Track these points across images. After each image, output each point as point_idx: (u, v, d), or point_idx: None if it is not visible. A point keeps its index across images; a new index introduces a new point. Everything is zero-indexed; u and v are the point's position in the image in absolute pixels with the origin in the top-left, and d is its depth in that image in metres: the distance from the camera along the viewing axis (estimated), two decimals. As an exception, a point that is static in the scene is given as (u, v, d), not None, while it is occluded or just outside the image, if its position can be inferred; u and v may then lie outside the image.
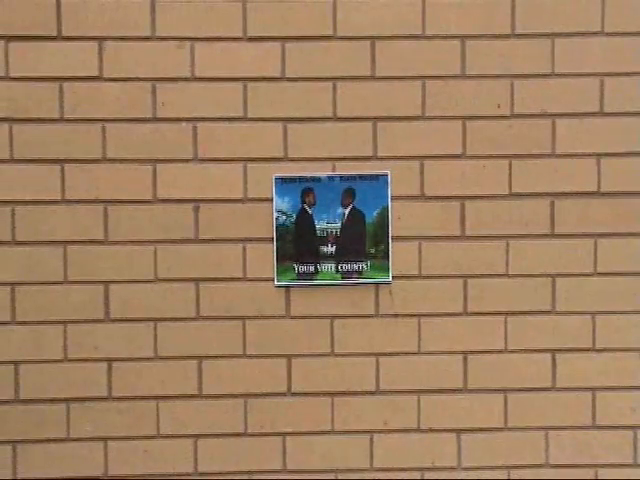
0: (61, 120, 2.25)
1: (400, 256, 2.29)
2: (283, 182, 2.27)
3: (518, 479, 2.34)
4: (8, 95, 2.24)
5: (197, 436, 2.31)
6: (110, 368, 2.29)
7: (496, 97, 2.29)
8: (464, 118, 2.29)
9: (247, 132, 2.27)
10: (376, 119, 2.28)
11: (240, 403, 2.31)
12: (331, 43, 2.27)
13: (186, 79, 2.26)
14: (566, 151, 2.31)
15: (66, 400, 2.28)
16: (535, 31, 2.29)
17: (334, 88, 2.27)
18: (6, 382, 2.27)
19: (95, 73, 2.25)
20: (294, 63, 2.27)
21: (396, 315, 2.31)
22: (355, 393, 2.32)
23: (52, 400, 2.28)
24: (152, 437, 2.30)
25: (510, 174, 2.30)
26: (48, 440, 2.29)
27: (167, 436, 2.31)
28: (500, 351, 2.32)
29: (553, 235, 2.32)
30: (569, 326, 2.32)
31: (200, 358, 2.30)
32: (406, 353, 2.31)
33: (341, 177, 2.28)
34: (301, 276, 2.29)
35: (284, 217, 2.28)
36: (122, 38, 2.24)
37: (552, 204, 2.31)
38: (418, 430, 2.33)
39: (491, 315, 2.32)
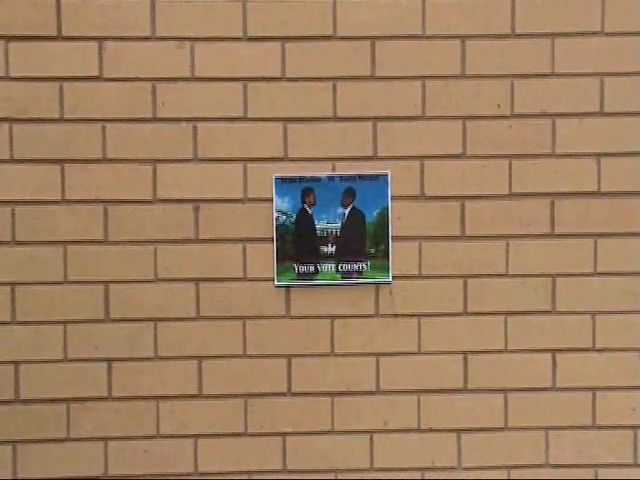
0: (61, 120, 2.25)
1: (400, 256, 2.29)
2: (283, 182, 2.27)
3: (518, 479, 2.34)
4: (8, 95, 2.24)
5: (197, 436, 2.31)
6: (110, 368, 2.29)
7: (496, 97, 2.29)
8: (464, 118, 2.29)
9: (247, 132, 2.27)
10: (376, 119, 2.28)
11: (240, 403, 2.31)
12: (331, 43, 2.27)
13: (186, 79, 2.26)
14: (566, 151, 2.31)
15: (66, 400, 2.28)
16: (535, 31, 2.29)
17: (334, 88, 2.27)
18: (6, 382, 2.27)
19: (95, 73, 2.25)
20: (294, 63, 2.27)
21: (396, 315, 2.31)
22: (355, 393, 2.32)
23: (52, 400, 2.28)
24: (152, 437, 2.30)
25: (510, 174, 2.30)
26: (48, 440, 2.29)
27: (167, 436, 2.31)
28: (500, 351, 2.32)
29: (553, 235, 2.32)
30: (569, 326, 2.32)
31: (200, 358, 2.30)
32: (406, 353, 2.31)
33: (341, 177, 2.28)
34: (301, 276, 2.29)
35: (284, 217, 2.28)
36: (122, 38, 2.24)
37: (552, 204, 2.31)
38: (418, 430, 2.33)
39: (491, 315, 2.32)
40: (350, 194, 2.28)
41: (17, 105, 2.24)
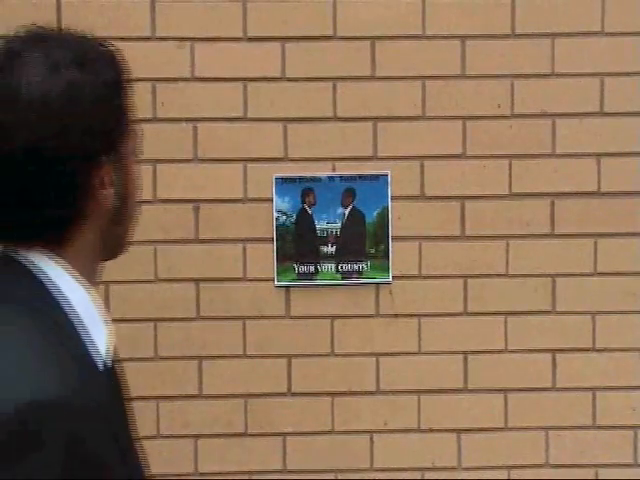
0: (61, 120, 2.25)
1: (400, 256, 2.29)
2: (283, 182, 2.27)
3: (518, 479, 2.34)
4: (8, 95, 2.24)
5: (197, 436, 2.31)
6: (110, 368, 2.29)
7: (496, 97, 2.29)
8: (464, 118, 2.29)
9: (247, 132, 2.27)
10: (376, 119, 2.28)
11: (240, 403, 2.31)
12: (331, 43, 2.27)
13: (186, 79, 2.26)
14: (566, 151, 2.31)
15: (66, 400, 2.28)
16: (535, 31, 2.29)
17: (334, 88, 2.27)
18: (6, 382, 2.27)
19: (95, 73, 2.25)
20: (294, 63, 2.26)
21: (396, 315, 2.31)
22: (355, 393, 2.32)
23: (52, 400, 2.28)
24: (152, 437, 2.30)
25: (510, 174, 2.30)
26: (48, 440, 2.29)
27: (167, 436, 2.31)
28: (500, 351, 2.32)
29: (553, 235, 2.32)
30: (569, 326, 2.32)
31: (200, 358, 2.30)
32: (406, 353, 2.31)
33: (341, 177, 2.28)
34: (301, 276, 2.29)
35: (284, 217, 2.28)
36: (122, 38, 2.24)
37: (552, 204, 2.31)
38: (418, 430, 2.33)
39: (491, 315, 2.32)
40: (350, 194, 2.28)
41: (17, 105, 2.24)
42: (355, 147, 2.28)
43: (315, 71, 2.26)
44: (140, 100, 2.27)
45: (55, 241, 0.96)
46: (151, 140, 2.26)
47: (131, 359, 2.29)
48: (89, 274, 1.03)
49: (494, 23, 2.28)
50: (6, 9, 2.23)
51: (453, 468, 2.34)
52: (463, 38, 2.28)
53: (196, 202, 2.27)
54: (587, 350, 2.33)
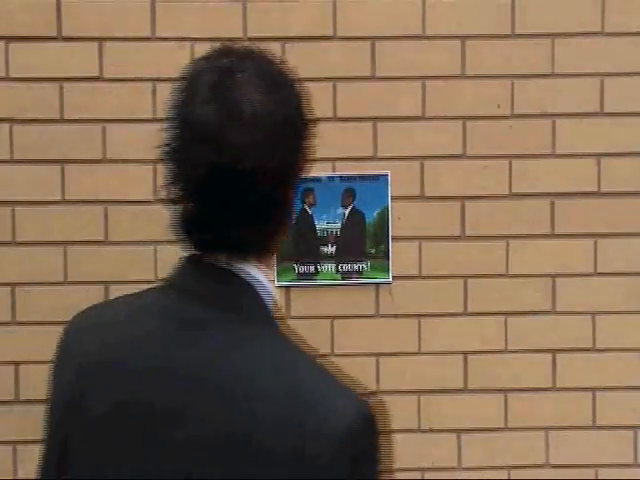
0: (61, 120, 2.25)
1: (400, 256, 2.29)
2: (283, 182, 2.27)
3: (518, 479, 2.34)
4: (8, 95, 2.24)
5: (197, 436, 2.30)
6: (110, 368, 2.28)
7: (496, 97, 2.29)
8: (464, 118, 2.29)
9: (247, 132, 2.27)
10: (376, 119, 2.28)
11: (240, 403, 2.30)
12: (331, 43, 2.27)
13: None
14: (566, 151, 2.31)
15: (66, 400, 2.28)
16: (535, 31, 2.29)
17: (334, 88, 2.27)
18: (6, 382, 2.27)
19: (95, 73, 2.25)
20: (294, 63, 2.25)
21: (396, 315, 2.30)
22: (355, 393, 2.31)
23: (52, 400, 2.28)
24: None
25: (510, 174, 2.30)
26: (48, 440, 2.29)
27: (167, 436, 2.30)
28: (500, 351, 2.32)
29: (553, 235, 2.32)
30: (569, 326, 2.32)
31: (200, 358, 2.29)
32: (406, 353, 2.31)
33: (341, 177, 2.28)
34: (301, 276, 2.29)
35: (284, 217, 2.28)
36: (122, 38, 2.24)
37: (552, 204, 2.31)
38: (418, 430, 2.33)
39: (491, 315, 2.31)
40: (350, 194, 2.28)
41: (17, 105, 2.24)
42: (355, 147, 2.28)
43: (315, 71, 2.26)
44: (140, 100, 2.28)
45: (262, 252, 1.00)
46: (151, 140, 2.26)
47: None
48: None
49: (494, 23, 2.28)
50: (6, 9, 2.23)
51: (453, 468, 2.34)
52: (463, 38, 2.28)
53: (196, 202, 2.27)
54: (587, 350, 2.33)
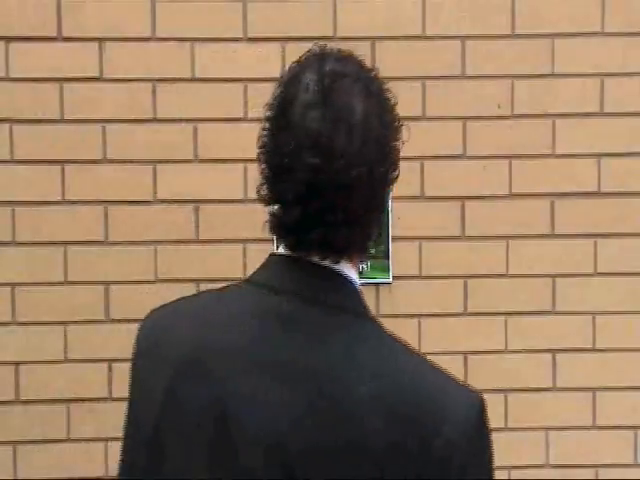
0: (61, 120, 2.25)
1: (400, 256, 2.29)
2: (283, 182, 2.27)
3: (518, 479, 2.34)
4: (8, 95, 2.24)
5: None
6: (110, 368, 2.29)
7: (496, 97, 2.29)
8: (464, 118, 2.29)
9: (247, 132, 2.27)
10: (376, 119, 2.28)
11: (240, 403, 2.30)
12: (331, 43, 2.26)
13: (186, 79, 2.26)
14: (566, 151, 2.31)
15: (66, 400, 2.28)
16: (535, 31, 2.29)
17: (334, 88, 2.27)
18: (6, 382, 2.27)
19: (95, 73, 2.25)
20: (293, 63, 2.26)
21: (396, 315, 2.30)
22: (355, 393, 2.31)
23: (52, 400, 2.28)
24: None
25: (510, 174, 2.30)
26: (48, 440, 2.29)
27: (167, 436, 2.30)
28: (500, 351, 2.32)
29: (553, 235, 2.32)
30: (569, 326, 2.32)
31: (200, 358, 2.29)
32: (406, 353, 2.31)
33: (341, 177, 2.27)
34: (301, 276, 2.29)
35: (284, 217, 2.28)
36: (122, 38, 2.24)
37: (552, 204, 2.31)
38: (418, 430, 2.32)
39: (491, 315, 2.31)
40: (350, 194, 2.28)
41: (17, 105, 2.24)
42: (355, 147, 2.28)
43: (315, 71, 2.26)
44: (140, 100, 2.28)
45: (358, 252, 1.01)
46: (151, 140, 2.27)
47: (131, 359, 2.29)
48: None
49: (494, 23, 2.28)
50: (6, 9, 2.23)
51: (453, 468, 2.34)
52: (463, 38, 2.28)
53: (196, 202, 2.27)
54: (587, 350, 2.33)
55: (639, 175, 2.32)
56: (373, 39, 2.27)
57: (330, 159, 0.91)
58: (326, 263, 0.98)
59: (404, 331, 2.30)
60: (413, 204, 2.30)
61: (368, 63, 1.10)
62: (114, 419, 2.28)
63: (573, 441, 2.34)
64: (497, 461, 2.49)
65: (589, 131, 2.30)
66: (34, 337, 2.27)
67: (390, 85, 1.07)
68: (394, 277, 2.29)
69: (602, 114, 2.31)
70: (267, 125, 1.01)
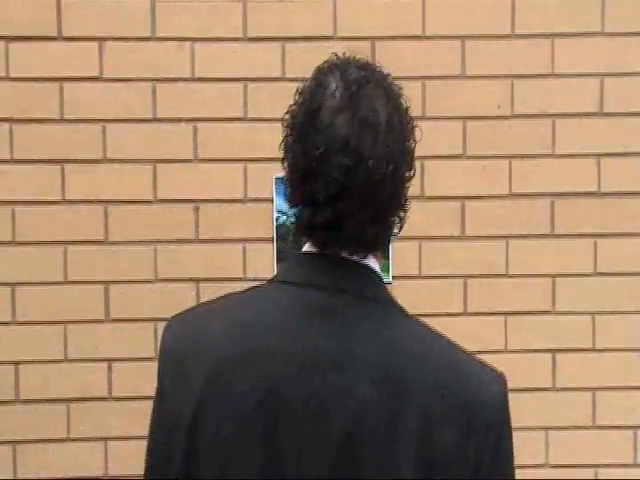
0: (61, 120, 2.25)
1: (400, 256, 2.29)
2: (283, 182, 2.27)
3: (519, 479, 2.34)
4: (8, 95, 2.24)
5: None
6: (110, 368, 2.29)
7: (496, 97, 2.29)
8: (464, 118, 2.29)
9: (247, 132, 2.27)
10: (376, 119, 2.28)
11: (240, 403, 2.30)
12: (331, 43, 2.27)
13: (186, 79, 2.26)
14: (566, 151, 2.31)
15: (66, 400, 2.28)
16: (535, 31, 2.29)
17: (334, 88, 2.27)
18: (6, 382, 2.27)
19: (95, 73, 2.25)
20: (294, 63, 2.26)
21: (396, 315, 2.30)
22: (355, 393, 2.31)
23: (52, 400, 2.28)
24: (152, 437, 2.30)
25: (510, 174, 2.30)
26: (48, 440, 2.29)
27: (167, 436, 2.30)
28: (500, 351, 2.32)
29: (553, 235, 2.32)
30: (569, 326, 2.32)
31: (200, 358, 2.29)
32: (406, 353, 2.31)
33: (341, 177, 2.27)
34: (301, 276, 2.29)
35: (284, 217, 2.28)
36: (122, 38, 2.24)
37: (552, 204, 2.31)
38: (418, 430, 2.32)
39: (491, 315, 2.31)
40: (350, 194, 2.28)
41: (17, 105, 2.24)
42: (355, 147, 2.28)
43: (315, 71, 2.26)
44: (140, 100, 2.28)
45: (381, 247, 1.10)
46: (151, 140, 2.27)
47: (131, 359, 2.29)
48: None
49: (494, 23, 2.28)
50: (6, 9, 2.23)
51: (453, 468, 2.34)
52: (463, 38, 2.28)
53: (196, 202, 2.27)
54: (587, 350, 2.33)
55: (639, 175, 2.32)
56: (373, 39, 2.26)
57: (360, 160, 0.97)
58: (355, 258, 1.03)
59: (404, 331, 2.30)
60: (413, 204, 2.27)
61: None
62: (114, 419, 2.28)
63: (573, 441, 2.34)
64: (497, 461, 2.43)
65: (589, 131, 2.30)
66: (34, 337, 2.27)
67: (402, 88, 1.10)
68: (394, 277, 2.29)
69: (602, 114, 2.31)
70: (290, 132, 1.06)
